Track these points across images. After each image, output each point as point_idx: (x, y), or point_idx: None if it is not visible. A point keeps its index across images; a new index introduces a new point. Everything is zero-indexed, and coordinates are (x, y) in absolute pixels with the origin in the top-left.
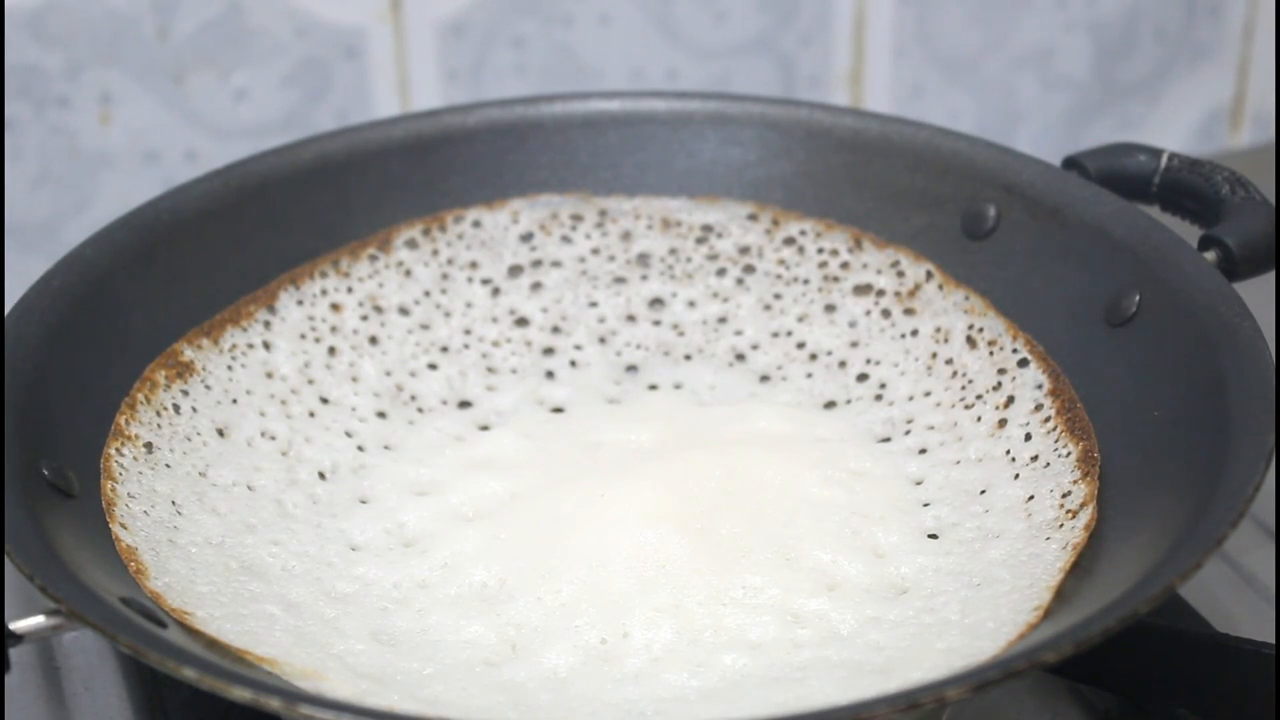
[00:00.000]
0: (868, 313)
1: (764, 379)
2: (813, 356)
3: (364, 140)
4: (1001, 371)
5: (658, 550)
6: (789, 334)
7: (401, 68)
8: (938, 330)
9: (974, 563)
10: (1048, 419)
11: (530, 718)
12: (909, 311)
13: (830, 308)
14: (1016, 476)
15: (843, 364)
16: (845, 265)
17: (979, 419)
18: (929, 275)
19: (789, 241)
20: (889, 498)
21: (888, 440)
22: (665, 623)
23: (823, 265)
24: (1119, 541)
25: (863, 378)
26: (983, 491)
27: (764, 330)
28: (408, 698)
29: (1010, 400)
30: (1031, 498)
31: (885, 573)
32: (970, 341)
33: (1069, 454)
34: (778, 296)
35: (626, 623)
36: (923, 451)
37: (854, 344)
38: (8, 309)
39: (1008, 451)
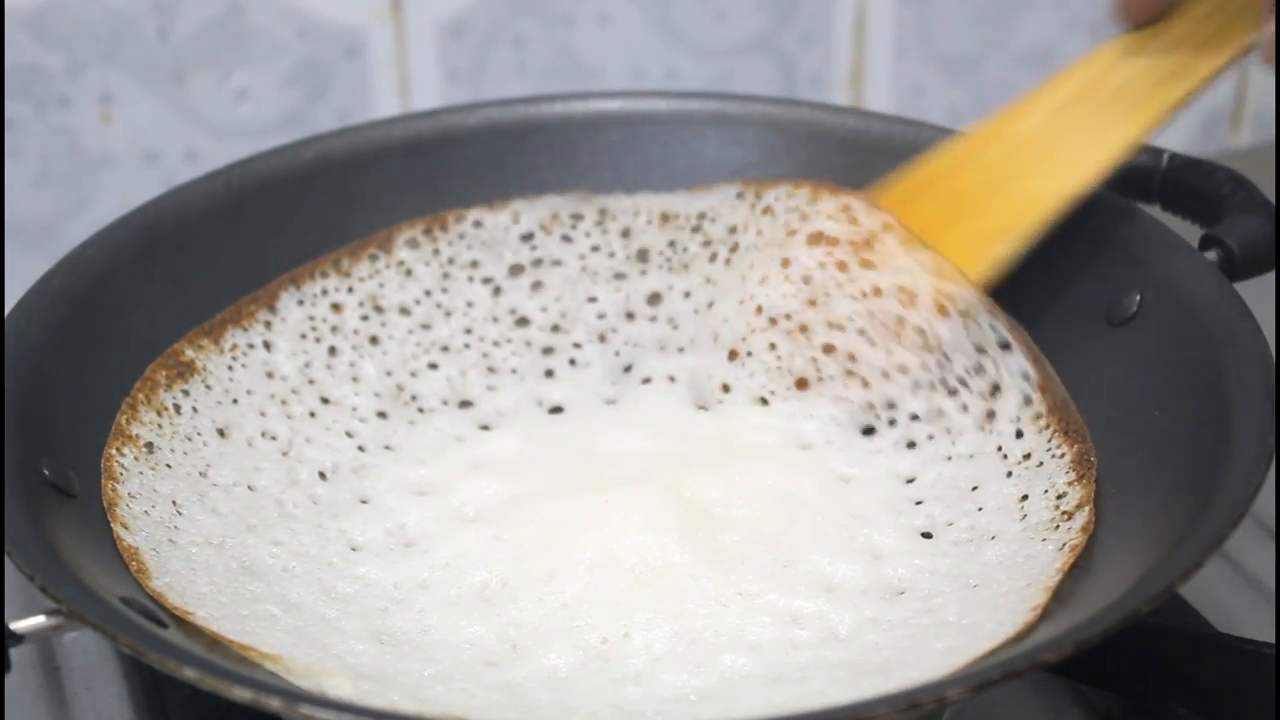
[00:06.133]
0: (821, 264)
1: (732, 355)
2: (772, 321)
3: (365, 140)
4: (981, 351)
5: (658, 554)
6: (750, 298)
7: (402, 68)
8: (902, 290)
9: (970, 564)
10: (1038, 415)
11: (530, 718)
12: (866, 264)
13: (785, 262)
14: (1009, 475)
15: (803, 329)
16: (804, 216)
17: (965, 408)
18: (886, 226)
19: (766, 211)
20: (880, 498)
21: (872, 432)
22: (665, 624)
23: (787, 224)
24: (1118, 542)
25: (829, 349)
26: (975, 489)
27: (732, 302)
28: (408, 698)
29: (996, 389)
30: (1025, 497)
31: (882, 574)
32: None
33: (1063, 455)
34: (752, 266)
35: (627, 623)
36: (911, 445)
37: (811, 303)
38: (8, 309)
39: (999, 448)
